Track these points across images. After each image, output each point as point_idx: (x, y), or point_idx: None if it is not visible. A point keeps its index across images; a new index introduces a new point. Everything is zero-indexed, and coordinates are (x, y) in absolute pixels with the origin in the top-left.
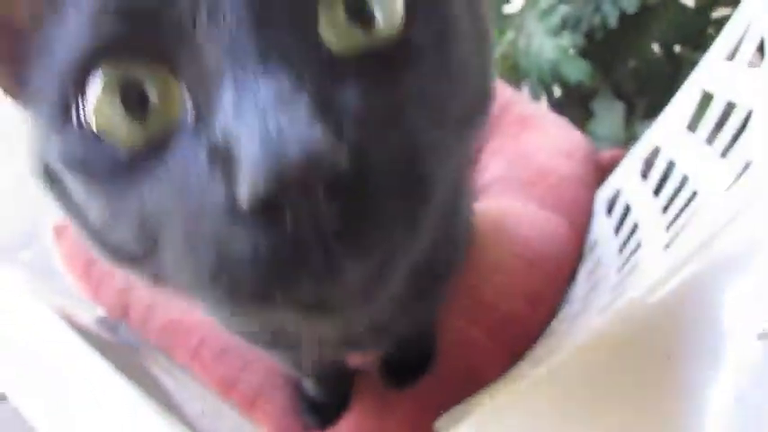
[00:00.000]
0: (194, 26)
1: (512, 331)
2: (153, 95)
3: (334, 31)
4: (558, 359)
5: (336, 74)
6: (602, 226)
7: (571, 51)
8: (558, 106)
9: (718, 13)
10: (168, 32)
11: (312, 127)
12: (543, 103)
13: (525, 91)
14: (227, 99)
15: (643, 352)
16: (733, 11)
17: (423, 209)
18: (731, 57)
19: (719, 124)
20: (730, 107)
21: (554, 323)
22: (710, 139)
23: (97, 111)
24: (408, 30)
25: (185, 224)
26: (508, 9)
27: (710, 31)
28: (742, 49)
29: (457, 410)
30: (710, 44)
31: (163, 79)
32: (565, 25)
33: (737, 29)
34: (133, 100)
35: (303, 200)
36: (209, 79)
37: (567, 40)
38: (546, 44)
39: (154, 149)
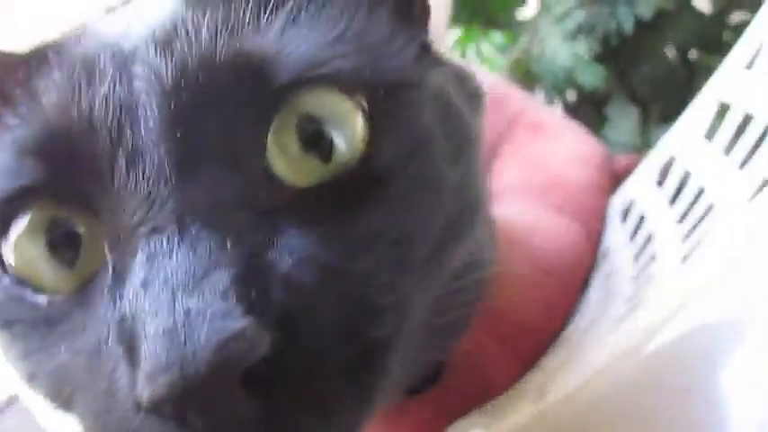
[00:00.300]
0: (112, 174)
1: (525, 340)
2: (81, 237)
3: (286, 163)
4: (562, 393)
5: (279, 218)
6: (615, 233)
7: (585, 57)
8: (571, 111)
9: (734, 17)
10: (88, 178)
11: (228, 312)
12: (557, 109)
13: (538, 96)
14: (136, 269)
15: (641, 400)
16: (750, 16)
17: (376, 380)
18: (749, 65)
19: (737, 135)
20: (748, 119)
21: (566, 332)
22: (728, 150)
23: (18, 253)
24: (371, 150)
25: (96, 398)
26: (522, 15)
27: (726, 36)
28: (760, 58)
29: (466, 422)
30: (727, 50)
31: (89, 223)
32: (580, 31)
33: (755, 37)
34: (60, 241)
35: (214, 394)
36: (126, 236)
37: (582, 45)
38: (561, 50)
39: (75, 302)
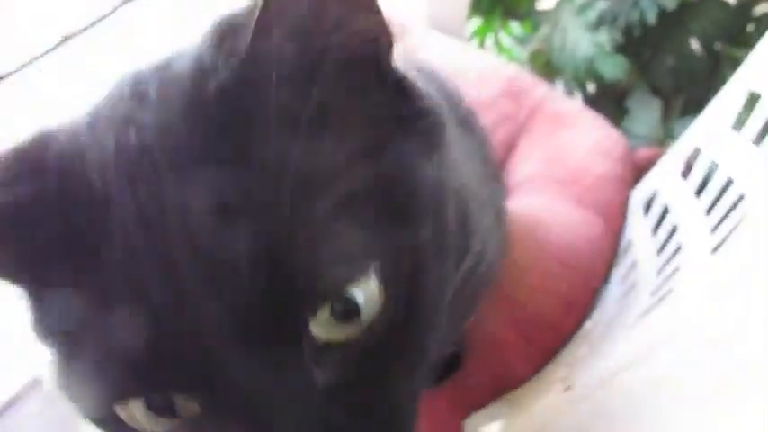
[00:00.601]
0: (210, 381)
1: (544, 332)
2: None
3: (323, 332)
4: (591, 385)
5: (332, 386)
6: (638, 226)
7: (607, 48)
8: (591, 104)
9: (759, 9)
10: (182, 382)
11: None
12: (577, 100)
13: (558, 88)
14: None
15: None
16: None
17: None
18: None
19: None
20: None
21: (586, 325)
22: (757, 141)
23: (126, 416)
24: (388, 301)
25: None
26: (542, 5)
27: (750, 28)
28: None
29: (486, 412)
30: (751, 41)
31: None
32: (602, 21)
33: None
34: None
35: None
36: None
37: (604, 36)
38: (582, 40)
39: None
